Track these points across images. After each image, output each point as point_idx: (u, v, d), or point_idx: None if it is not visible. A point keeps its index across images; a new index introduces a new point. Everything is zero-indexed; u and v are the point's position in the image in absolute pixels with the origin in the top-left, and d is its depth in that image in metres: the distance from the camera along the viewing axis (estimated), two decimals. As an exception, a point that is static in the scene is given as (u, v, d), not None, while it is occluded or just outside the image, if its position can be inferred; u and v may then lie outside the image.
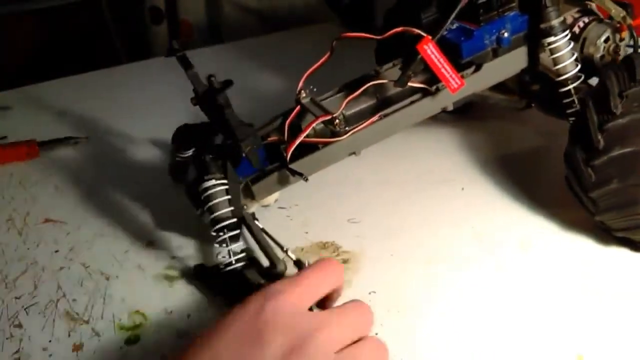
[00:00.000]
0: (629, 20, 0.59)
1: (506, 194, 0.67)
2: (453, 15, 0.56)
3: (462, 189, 0.68)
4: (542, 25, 0.58)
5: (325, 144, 0.56)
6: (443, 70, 0.56)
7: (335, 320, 0.34)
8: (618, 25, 0.62)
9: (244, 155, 0.53)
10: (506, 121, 0.80)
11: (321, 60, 0.57)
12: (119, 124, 0.89)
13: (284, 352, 0.32)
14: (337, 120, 0.55)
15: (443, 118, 0.76)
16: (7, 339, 0.52)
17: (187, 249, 0.61)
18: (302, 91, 0.58)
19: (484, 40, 0.59)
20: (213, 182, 0.53)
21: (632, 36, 0.61)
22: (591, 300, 0.53)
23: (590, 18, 0.63)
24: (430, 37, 0.55)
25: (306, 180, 0.54)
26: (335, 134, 0.56)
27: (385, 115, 0.57)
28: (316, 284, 0.37)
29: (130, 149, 0.82)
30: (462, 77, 0.57)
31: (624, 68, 0.54)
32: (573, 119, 0.60)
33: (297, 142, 0.54)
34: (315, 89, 0.59)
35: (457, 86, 0.56)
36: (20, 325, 0.53)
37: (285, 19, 1.31)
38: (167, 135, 0.72)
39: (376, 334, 0.49)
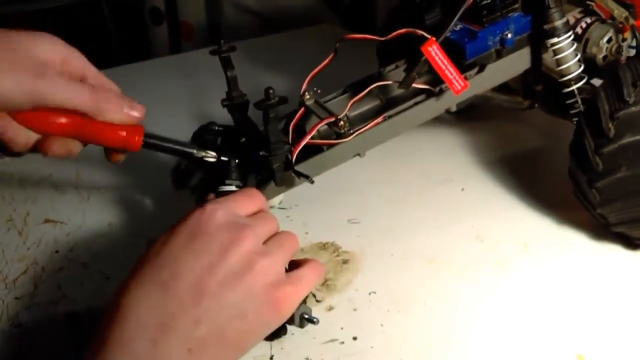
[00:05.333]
0: (632, 21, 0.59)
1: (506, 194, 0.67)
2: (457, 17, 0.55)
3: (462, 189, 0.68)
4: (546, 27, 0.58)
5: (330, 146, 0.56)
6: (447, 71, 0.56)
7: (258, 222, 0.45)
8: (620, 25, 0.62)
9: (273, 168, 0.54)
10: (507, 121, 0.80)
11: (324, 62, 0.57)
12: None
13: (224, 243, 0.41)
14: (341, 122, 0.55)
15: (444, 118, 0.76)
16: (7, 338, 0.52)
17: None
18: (306, 93, 0.58)
19: (488, 41, 0.59)
20: (233, 187, 0.54)
21: (634, 36, 0.61)
22: (591, 300, 0.53)
23: (593, 18, 0.63)
24: (434, 39, 0.55)
25: (312, 182, 0.55)
26: (339, 136, 0.56)
27: (390, 117, 0.57)
28: (243, 201, 0.47)
29: (130, 149, 0.82)
30: (466, 78, 0.57)
31: (635, 61, 0.55)
32: (576, 118, 0.60)
33: (302, 144, 0.54)
34: (319, 91, 0.58)
35: (460, 88, 0.56)
36: (20, 325, 0.53)
37: (285, 20, 1.31)
38: (166, 133, 0.71)
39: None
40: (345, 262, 0.59)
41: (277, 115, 0.53)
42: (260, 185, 0.57)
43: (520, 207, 0.64)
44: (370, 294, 0.55)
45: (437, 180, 0.69)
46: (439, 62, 0.55)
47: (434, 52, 0.55)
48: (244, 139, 0.59)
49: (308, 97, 0.58)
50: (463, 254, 0.58)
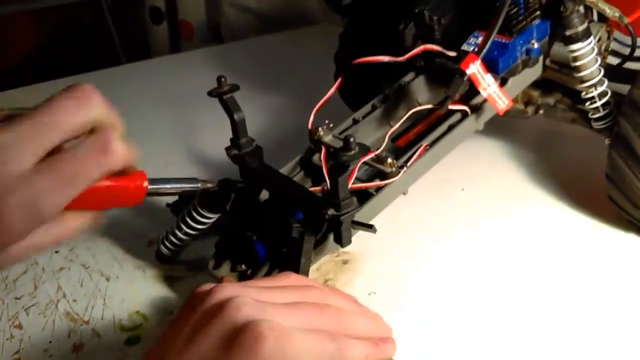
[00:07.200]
0: (626, 20, 0.58)
1: (506, 194, 0.67)
2: (497, 28, 0.51)
3: (462, 189, 0.68)
4: (568, 33, 0.55)
5: (379, 188, 0.50)
6: (490, 90, 0.51)
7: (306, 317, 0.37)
8: (609, 25, 0.61)
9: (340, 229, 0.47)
10: (507, 121, 0.80)
11: (330, 93, 0.54)
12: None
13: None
14: (389, 160, 0.50)
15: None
16: (7, 339, 0.52)
17: (186, 248, 0.61)
18: (319, 128, 0.53)
19: (517, 52, 0.55)
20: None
21: (630, 35, 0.60)
22: (592, 301, 0.53)
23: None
24: (475, 55, 0.50)
25: (375, 231, 0.47)
26: (385, 174, 0.50)
27: (431, 145, 0.53)
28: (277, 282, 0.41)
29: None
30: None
31: None
32: (599, 124, 0.59)
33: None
34: (331, 124, 0.54)
35: (505, 106, 0.52)
36: (20, 326, 0.53)
37: (285, 19, 1.31)
38: (166, 133, 0.72)
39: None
40: (345, 262, 0.59)
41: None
42: (316, 247, 0.49)
43: (520, 208, 0.64)
44: (370, 294, 0.55)
45: (437, 180, 0.69)
46: (481, 79, 0.50)
47: (476, 69, 0.50)
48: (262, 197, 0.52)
49: (322, 132, 0.53)
50: (463, 254, 0.58)
